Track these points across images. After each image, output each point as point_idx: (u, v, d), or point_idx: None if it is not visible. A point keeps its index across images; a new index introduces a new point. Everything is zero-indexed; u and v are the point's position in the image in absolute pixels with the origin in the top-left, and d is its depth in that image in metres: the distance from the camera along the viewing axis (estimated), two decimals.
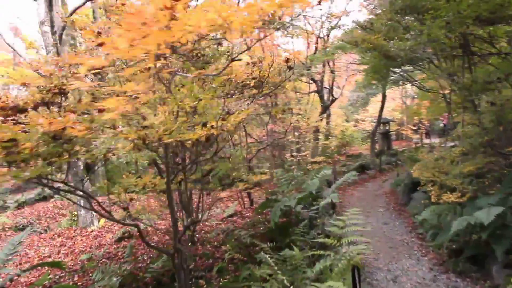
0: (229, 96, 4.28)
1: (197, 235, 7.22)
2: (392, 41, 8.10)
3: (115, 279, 4.86)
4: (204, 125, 3.23)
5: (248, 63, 4.53)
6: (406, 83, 19.90)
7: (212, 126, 3.19)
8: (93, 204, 3.66)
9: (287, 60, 4.98)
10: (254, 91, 4.67)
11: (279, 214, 6.47)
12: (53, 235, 9.38)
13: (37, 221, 11.38)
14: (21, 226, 11.15)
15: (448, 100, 9.88)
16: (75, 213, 10.35)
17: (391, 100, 30.68)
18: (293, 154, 11.08)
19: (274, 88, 5.48)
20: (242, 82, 4.46)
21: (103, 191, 4.12)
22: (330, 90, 19.02)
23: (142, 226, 6.44)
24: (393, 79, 20.82)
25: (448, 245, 6.71)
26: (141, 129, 3.02)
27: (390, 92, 29.34)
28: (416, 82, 15.41)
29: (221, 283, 5.00)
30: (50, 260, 7.09)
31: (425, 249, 7.29)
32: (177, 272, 4.10)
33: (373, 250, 7.51)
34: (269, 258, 4.18)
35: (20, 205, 13.95)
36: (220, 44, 6.13)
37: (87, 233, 9.11)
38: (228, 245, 6.12)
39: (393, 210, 10.73)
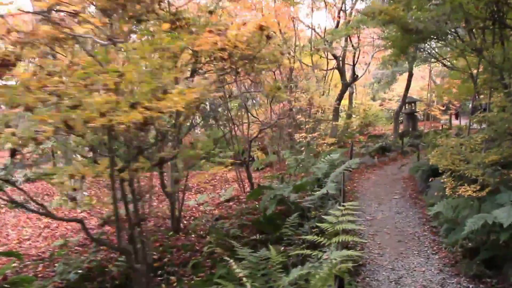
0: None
1: (185, 222, 6.77)
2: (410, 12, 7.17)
3: (73, 274, 4.42)
4: (133, 106, 2.65)
5: (210, 31, 3.83)
6: (434, 61, 18.64)
7: (146, 108, 2.61)
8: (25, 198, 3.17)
9: (261, 27, 4.26)
10: (222, 64, 4.01)
11: (274, 204, 5.87)
12: (27, 218, 9.13)
13: (34, 198, 11.09)
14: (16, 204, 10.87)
15: (476, 79, 8.87)
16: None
17: (420, 78, 29.13)
18: (301, 135, 10.36)
19: (247, 61, 4.80)
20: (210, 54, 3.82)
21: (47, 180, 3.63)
22: (353, 67, 17.95)
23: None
24: (421, 57, 19.60)
25: (463, 243, 5.97)
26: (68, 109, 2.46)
27: (419, 70, 27.85)
28: (445, 59, 14.25)
29: (193, 282, 4.50)
30: (28, 243, 6.81)
31: (437, 245, 6.56)
32: (132, 271, 3.62)
33: (380, 244, 6.86)
34: (233, 263, 3.60)
35: (28, 180, 13.92)
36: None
37: (76, 215, 8.77)
38: (210, 236, 5.60)
39: (409, 198, 9.95)
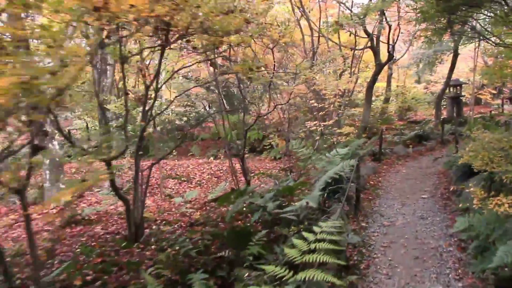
0: None
1: (153, 227, 5.78)
2: None
3: None
4: None
5: None
6: (481, 38, 16.48)
7: None
8: None
9: None
10: None
11: (232, 215, 4.74)
12: (10, 210, 8.51)
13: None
14: None
15: None
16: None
17: (470, 59, 26.46)
18: (314, 123, 9.00)
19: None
20: None
21: None
22: (388, 46, 16.16)
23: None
24: (468, 33, 17.44)
25: (493, 270, 4.61)
26: None
27: (469, 50, 25.22)
28: (495, 37, 12.30)
29: None
30: None
31: (463, 268, 5.21)
32: None
33: (391, 261, 5.59)
34: None
35: None
36: None
37: (46, 211, 8.05)
38: (171, 249, 4.57)
39: (439, 199, 8.49)
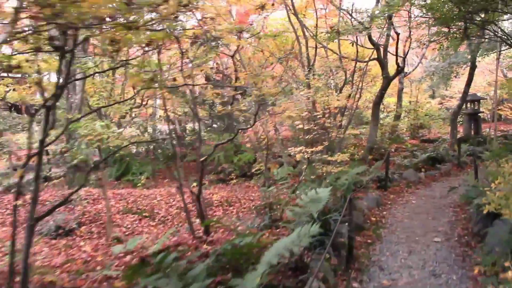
0: None
1: None
2: None
3: None
4: None
5: None
6: (504, 48, 14.81)
7: None
8: None
9: None
10: None
11: None
12: None
13: None
14: None
15: None
16: None
17: (488, 72, 24.61)
18: (298, 149, 7.37)
19: None
20: None
21: None
22: (396, 57, 14.57)
23: None
24: (488, 42, 15.83)
25: None
26: None
27: (487, 63, 23.42)
28: None
29: None
30: None
31: None
32: None
33: None
34: None
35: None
36: None
37: None
38: None
39: (457, 244, 6.79)
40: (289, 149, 7.90)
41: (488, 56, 18.94)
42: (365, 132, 18.49)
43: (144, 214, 8.42)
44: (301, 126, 7.92)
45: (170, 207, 9.21)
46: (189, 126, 19.13)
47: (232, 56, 11.43)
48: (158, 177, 14.32)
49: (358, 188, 10.20)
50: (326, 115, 8.35)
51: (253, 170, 11.94)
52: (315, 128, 7.84)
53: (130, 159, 14.00)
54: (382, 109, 25.73)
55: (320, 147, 6.72)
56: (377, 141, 15.17)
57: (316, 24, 12.22)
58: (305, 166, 7.49)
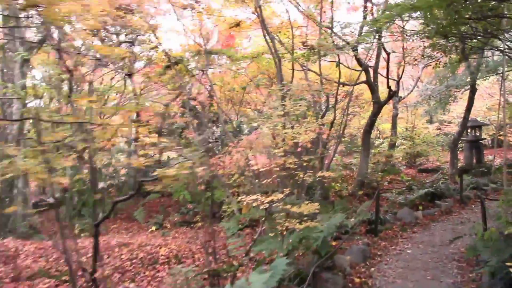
0: None
1: None
2: None
3: None
4: None
5: None
6: (507, 68, 13.35)
7: None
8: None
9: None
10: None
11: None
12: None
13: None
14: None
15: None
16: None
17: (487, 96, 23.15)
18: (251, 198, 5.65)
19: None
20: None
21: None
22: (387, 81, 13.09)
23: None
24: (489, 63, 14.43)
25: None
26: None
27: (486, 87, 21.98)
28: None
29: None
30: None
31: None
32: None
33: None
34: None
35: None
36: None
37: None
38: None
39: None
40: (239, 197, 6.24)
41: (488, 78, 17.55)
42: (356, 162, 16.91)
43: (63, 278, 6.63)
44: (256, 167, 6.33)
45: (104, 264, 7.35)
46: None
47: (200, 82, 9.95)
48: (118, 217, 12.62)
49: (343, 235, 8.55)
50: (289, 154, 6.64)
51: (222, 211, 10.28)
52: (277, 169, 6.21)
53: (88, 195, 12.33)
54: (378, 136, 24.16)
55: (280, 196, 5.14)
56: (369, 173, 13.54)
57: (292, 42, 10.80)
58: (263, 218, 5.85)
